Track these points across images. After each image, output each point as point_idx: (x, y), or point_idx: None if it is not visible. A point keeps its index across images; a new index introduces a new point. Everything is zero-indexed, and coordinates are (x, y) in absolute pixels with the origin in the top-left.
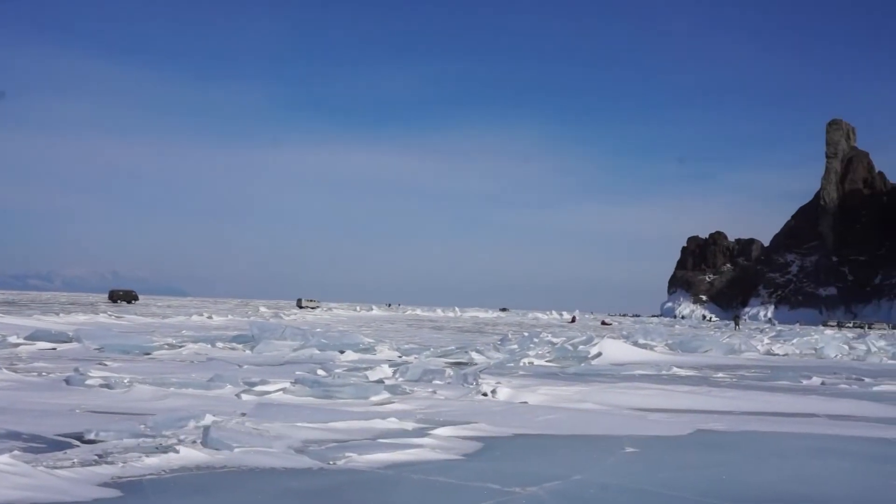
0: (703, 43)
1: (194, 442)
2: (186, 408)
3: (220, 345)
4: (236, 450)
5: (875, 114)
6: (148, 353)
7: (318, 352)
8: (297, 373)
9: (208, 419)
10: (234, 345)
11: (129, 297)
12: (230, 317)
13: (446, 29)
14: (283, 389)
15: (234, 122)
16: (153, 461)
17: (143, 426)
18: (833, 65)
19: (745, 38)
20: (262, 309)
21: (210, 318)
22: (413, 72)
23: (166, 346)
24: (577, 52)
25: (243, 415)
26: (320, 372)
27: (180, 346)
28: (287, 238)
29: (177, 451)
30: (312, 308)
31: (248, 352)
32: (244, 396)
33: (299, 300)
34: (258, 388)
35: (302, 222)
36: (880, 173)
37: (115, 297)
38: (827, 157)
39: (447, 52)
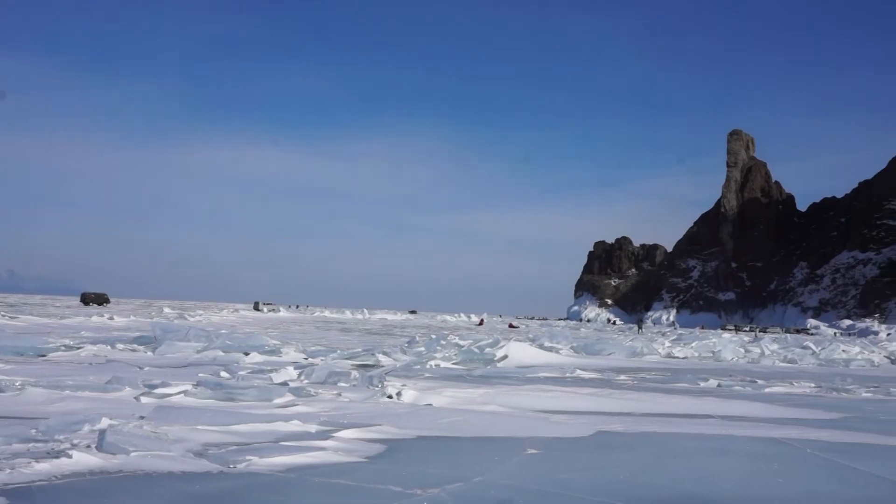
0: (611, 52)
1: (89, 446)
2: (82, 411)
3: (120, 346)
4: (133, 454)
5: (773, 125)
6: (43, 355)
7: (222, 353)
8: (200, 375)
9: (104, 423)
10: (134, 346)
11: (101, 299)
12: (132, 318)
13: (359, 31)
14: (185, 392)
15: (142, 120)
16: (44, 467)
17: (34, 430)
18: (734, 77)
19: (652, 49)
20: (167, 310)
21: (111, 318)
22: (325, 73)
23: (63, 348)
24: (489, 57)
25: (142, 418)
26: (223, 374)
27: (78, 348)
28: (193, 238)
29: (69, 456)
30: (271, 312)
31: (149, 353)
32: (143, 399)
33: (256, 303)
34: (158, 391)
35: (209, 222)
36: (777, 183)
37: (86, 299)
38: (727, 166)
39: (360, 55)
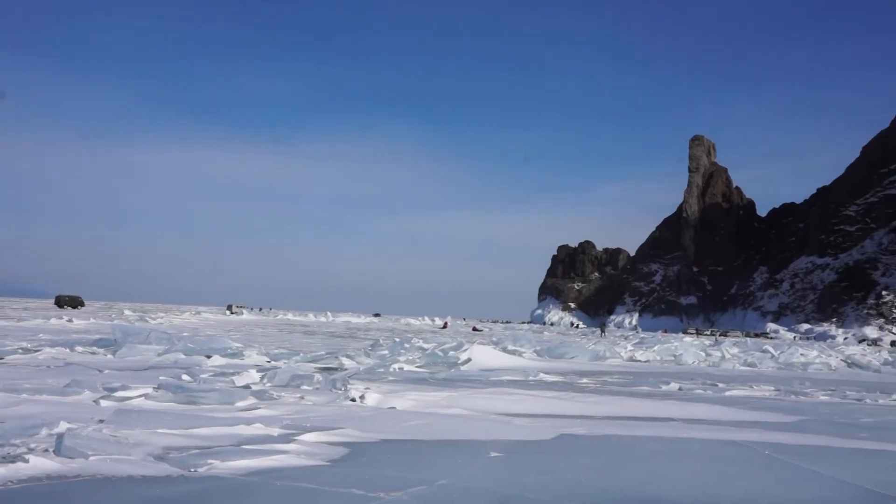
0: (575, 59)
1: (46, 450)
2: (39, 415)
3: (79, 349)
4: (91, 458)
5: (733, 131)
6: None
7: (183, 356)
8: (161, 378)
9: (62, 426)
10: (94, 349)
11: (76, 302)
12: (92, 320)
13: (324, 31)
14: (145, 395)
15: (101, 120)
16: None
17: None
18: (696, 83)
19: (614, 55)
20: (127, 312)
21: (70, 321)
22: (288, 73)
23: (20, 351)
24: (454, 60)
25: (101, 421)
26: (185, 377)
27: (36, 351)
28: (156, 240)
29: (26, 461)
30: (240, 315)
31: (109, 356)
32: (103, 402)
33: (230, 306)
34: (118, 394)
35: (171, 224)
36: (737, 188)
37: (61, 302)
38: (689, 171)
39: (324, 55)
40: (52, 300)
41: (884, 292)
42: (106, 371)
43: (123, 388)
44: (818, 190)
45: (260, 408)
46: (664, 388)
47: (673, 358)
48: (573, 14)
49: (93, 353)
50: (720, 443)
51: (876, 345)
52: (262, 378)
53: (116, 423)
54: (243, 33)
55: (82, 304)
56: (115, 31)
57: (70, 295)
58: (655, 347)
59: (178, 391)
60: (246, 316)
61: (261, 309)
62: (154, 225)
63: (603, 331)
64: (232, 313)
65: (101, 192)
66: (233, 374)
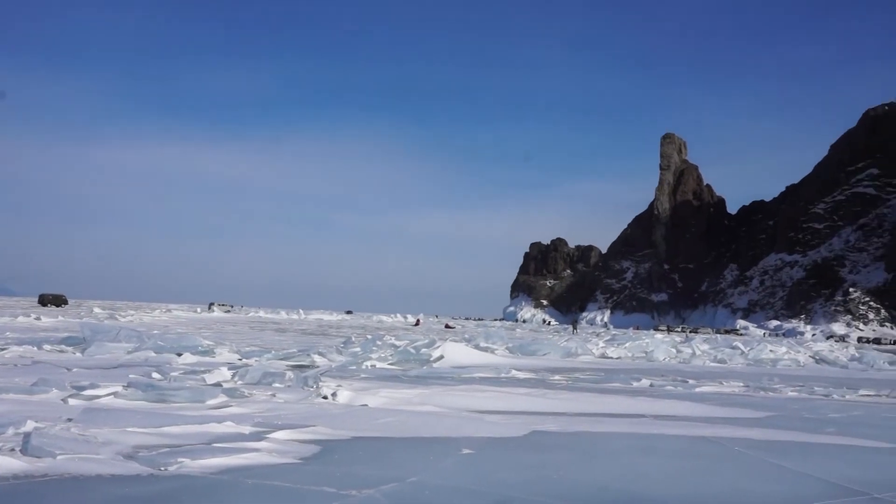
0: (550, 59)
1: (13, 450)
2: (6, 414)
3: (47, 347)
4: (60, 457)
5: (704, 129)
6: None
7: (153, 354)
8: (131, 376)
9: (29, 425)
10: (63, 347)
11: (59, 301)
12: (61, 318)
13: (300, 30)
14: (115, 393)
15: (75, 116)
16: None
17: None
18: (667, 82)
19: (586, 54)
20: (97, 310)
21: (38, 319)
22: (263, 72)
23: None
24: (429, 60)
25: (69, 420)
26: (155, 375)
27: (2, 349)
28: (126, 237)
29: None
30: (225, 312)
31: (78, 354)
32: (71, 401)
33: (211, 304)
34: (87, 393)
35: (143, 221)
36: (708, 186)
37: (45, 301)
38: (660, 169)
39: (295, 54)
40: (24, 299)
41: (851, 289)
42: (74, 369)
43: (92, 386)
44: (787, 188)
45: (231, 406)
46: (635, 384)
47: (644, 355)
48: (547, 14)
49: (61, 352)
50: (690, 439)
51: (843, 341)
52: (233, 376)
53: (85, 422)
54: (217, 31)
55: (66, 303)
56: (87, 28)
57: (54, 294)
58: (627, 344)
59: (148, 389)
60: (216, 313)
61: (232, 306)
62: (126, 223)
63: (575, 328)
64: (213, 311)
65: (74, 190)
66: (204, 372)
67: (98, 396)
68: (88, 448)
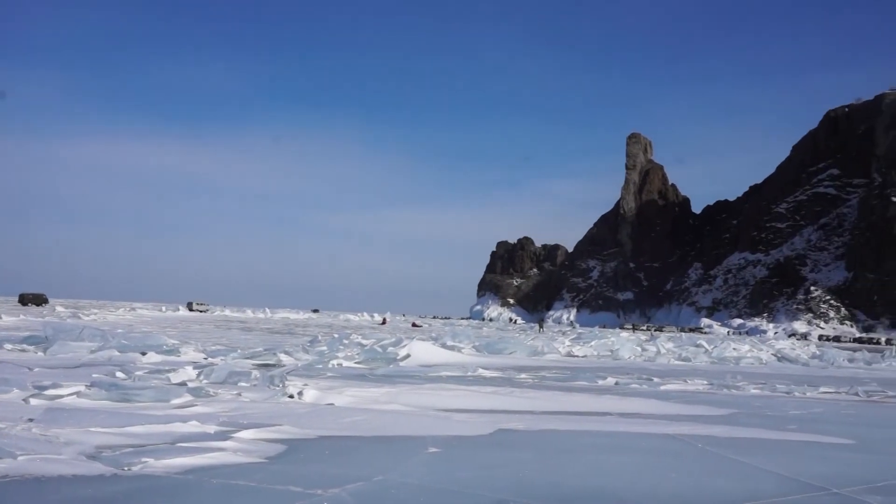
0: (515, 56)
1: None
2: None
3: (8, 346)
4: (20, 458)
5: (669, 129)
6: None
7: (118, 353)
8: (94, 375)
9: None
10: (24, 346)
11: (40, 300)
12: (22, 317)
13: (263, 26)
14: (78, 393)
15: (22, 112)
16: None
17: None
18: (633, 82)
19: (554, 53)
20: (60, 308)
21: None
22: (226, 68)
23: None
24: (398, 59)
25: (30, 420)
26: (119, 374)
27: None
28: (87, 235)
29: None
30: (202, 311)
31: (40, 354)
32: (33, 401)
33: (190, 303)
34: (49, 392)
35: (105, 219)
36: (673, 185)
37: (24, 300)
38: (626, 168)
39: (263, 50)
40: (1, 297)
41: (812, 288)
42: (36, 369)
43: (54, 385)
44: (750, 188)
45: (196, 405)
46: (601, 382)
47: (610, 353)
48: (514, 15)
49: (22, 351)
50: (655, 436)
51: (805, 339)
52: (198, 375)
53: (47, 422)
54: (177, 25)
55: (46, 302)
56: (33, 20)
57: (34, 293)
58: (592, 343)
59: (112, 389)
60: (182, 312)
61: (209, 306)
62: (86, 221)
63: (541, 326)
64: (191, 310)
65: (25, 186)
66: (168, 371)
67: (60, 396)
68: (50, 448)
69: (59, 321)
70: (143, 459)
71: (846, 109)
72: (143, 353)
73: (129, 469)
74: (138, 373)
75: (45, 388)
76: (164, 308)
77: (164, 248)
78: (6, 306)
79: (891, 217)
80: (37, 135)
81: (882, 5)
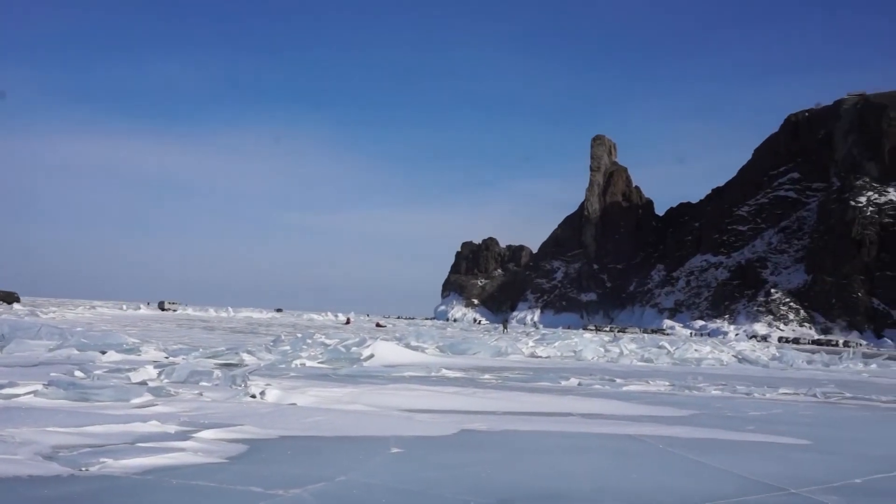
0: (484, 59)
1: None
2: None
3: None
4: None
5: (633, 131)
6: None
7: (77, 352)
8: (52, 374)
9: None
10: None
11: (11, 298)
12: None
13: (236, 23)
14: (35, 392)
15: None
16: None
17: None
18: (598, 84)
19: (522, 57)
20: (17, 306)
21: None
22: (198, 65)
23: None
24: (363, 59)
25: None
26: (78, 373)
27: None
28: (55, 233)
29: None
30: (174, 311)
31: None
32: None
33: (161, 302)
34: (5, 391)
35: (71, 217)
36: (637, 187)
37: None
38: (591, 170)
39: (237, 48)
40: None
41: (772, 290)
42: None
43: (11, 384)
44: (713, 190)
45: (157, 404)
46: (564, 383)
47: (573, 354)
48: (482, 16)
49: None
50: (617, 437)
51: (765, 341)
52: (159, 374)
53: (2, 422)
54: (150, 23)
55: (17, 300)
56: (11, 17)
57: (5, 290)
58: (556, 343)
59: (70, 388)
60: (143, 311)
61: (178, 305)
62: (51, 217)
63: (505, 327)
64: (163, 310)
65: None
66: (129, 370)
67: (17, 395)
68: (5, 448)
69: (17, 319)
70: (102, 460)
71: (806, 114)
72: (103, 352)
73: (86, 469)
74: (97, 372)
75: (2, 386)
76: (125, 307)
77: (128, 247)
78: None
79: (849, 221)
80: (5, 131)
81: (843, 12)
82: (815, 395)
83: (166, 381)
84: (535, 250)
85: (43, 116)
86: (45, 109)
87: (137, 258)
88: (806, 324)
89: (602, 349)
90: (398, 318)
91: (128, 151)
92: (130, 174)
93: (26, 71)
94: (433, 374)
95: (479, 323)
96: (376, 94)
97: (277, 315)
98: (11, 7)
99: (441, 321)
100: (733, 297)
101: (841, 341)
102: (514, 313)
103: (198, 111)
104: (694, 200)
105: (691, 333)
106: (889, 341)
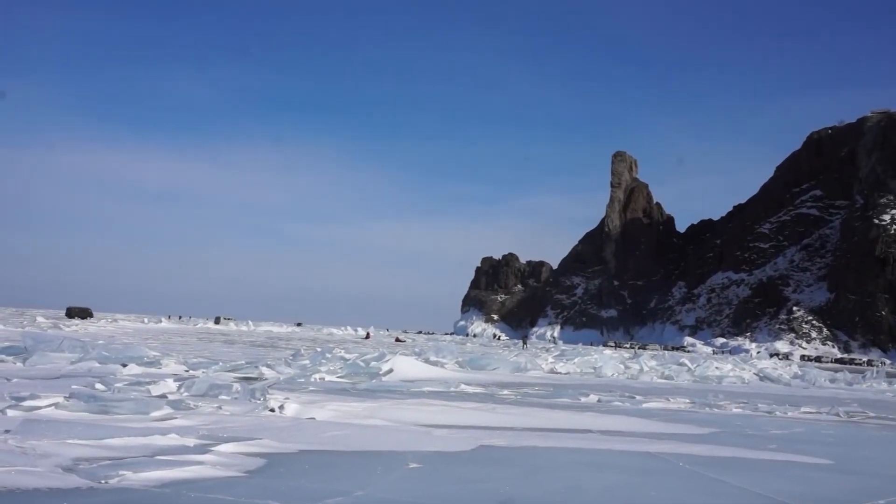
0: (503, 73)
1: None
2: None
3: None
4: None
5: (655, 148)
6: None
7: (98, 365)
8: (73, 387)
9: None
10: (2, 357)
11: (85, 314)
12: (1, 326)
13: (246, 37)
14: (56, 404)
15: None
16: None
17: None
18: (619, 101)
19: (541, 70)
20: (40, 319)
21: None
22: (210, 78)
23: None
24: (381, 71)
25: (7, 432)
26: (99, 386)
27: None
28: (70, 245)
29: None
30: (227, 326)
31: (18, 364)
32: (10, 412)
33: (217, 318)
34: (27, 403)
35: (88, 229)
36: (657, 204)
37: (71, 313)
38: (611, 186)
39: (246, 61)
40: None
41: (794, 308)
42: (14, 380)
43: (32, 396)
44: (734, 207)
45: (176, 418)
46: (583, 399)
47: (593, 370)
48: (502, 29)
49: (0, 361)
50: (636, 454)
51: (787, 359)
52: (178, 387)
53: (23, 434)
54: (160, 36)
55: (91, 315)
56: (20, 27)
57: (80, 307)
58: (576, 360)
59: (91, 400)
60: (164, 324)
61: (180, 317)
62: (67, 229)
63: (525, 343)
64: (217, 324)
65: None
66: (149, 383)
67: (38, 407)
68: (26, 461)
69: (39, 332)
70: (121, 472)
71: (829, 132)
72: (124, 365)
73: (106, 482)
74: (118, 384)
75: (23, 399)
76: (146, 320)
77: (147, 260)
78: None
79: (872, 239)
80: (33, 139)
81: (866, 29)
82: (837, 414)
83: (186, 394)
84: (555, 266)
85: (63, 127)
86: (56, 121)
87: (157, 273)
88: (828, 342)
89: (622, 366)
90: (418, 332)
91: (146, 165)
92: (142, 188)
93: (35, 83)
94: (452, 389)
95: (499, 338)
96: (398, 107)
97: (297, 329)
98: (11, 9)
99: (460, 336)
100: (755, 314)
101: (865, 360)
102: (534, 329)
103: (211, 123)
104: (715, 217)
105: (712, 351)
106: None
